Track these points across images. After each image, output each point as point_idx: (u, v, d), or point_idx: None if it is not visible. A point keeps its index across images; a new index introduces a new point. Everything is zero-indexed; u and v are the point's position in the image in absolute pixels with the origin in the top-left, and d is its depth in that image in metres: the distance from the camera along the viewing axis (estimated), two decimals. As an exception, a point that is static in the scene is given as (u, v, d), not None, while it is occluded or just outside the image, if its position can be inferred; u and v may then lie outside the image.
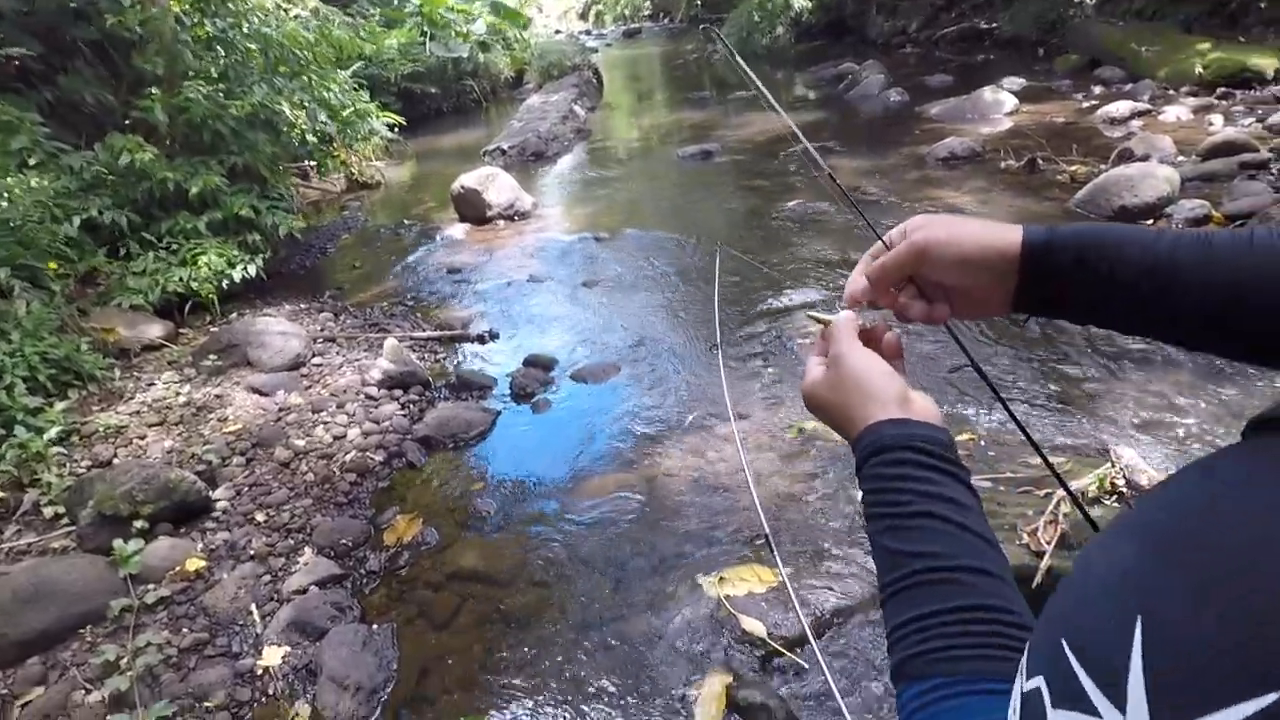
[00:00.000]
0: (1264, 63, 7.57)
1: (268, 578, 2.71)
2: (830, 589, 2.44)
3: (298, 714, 2.22)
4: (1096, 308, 0.61)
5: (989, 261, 0.63)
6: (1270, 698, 0.21)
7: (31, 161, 4.55)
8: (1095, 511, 2.36)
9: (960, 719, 0.45)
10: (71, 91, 5.29)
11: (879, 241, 0.72)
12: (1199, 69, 7.88)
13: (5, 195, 4.13)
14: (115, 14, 4.90)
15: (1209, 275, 0.55)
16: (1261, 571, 0.24)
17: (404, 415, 3.69)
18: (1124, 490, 2.43)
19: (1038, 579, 2.21)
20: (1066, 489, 0.80)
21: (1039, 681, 0.30)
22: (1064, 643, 0.29)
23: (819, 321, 0.75)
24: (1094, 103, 8.04)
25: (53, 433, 3.30)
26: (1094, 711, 0.26)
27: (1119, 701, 0.25)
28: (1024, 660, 0.33)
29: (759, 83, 1.19)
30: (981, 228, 0.64)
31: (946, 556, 0.52)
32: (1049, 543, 2.29)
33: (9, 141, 4.48)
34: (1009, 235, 0.62)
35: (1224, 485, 0.29)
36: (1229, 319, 0.55)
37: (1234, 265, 0.55)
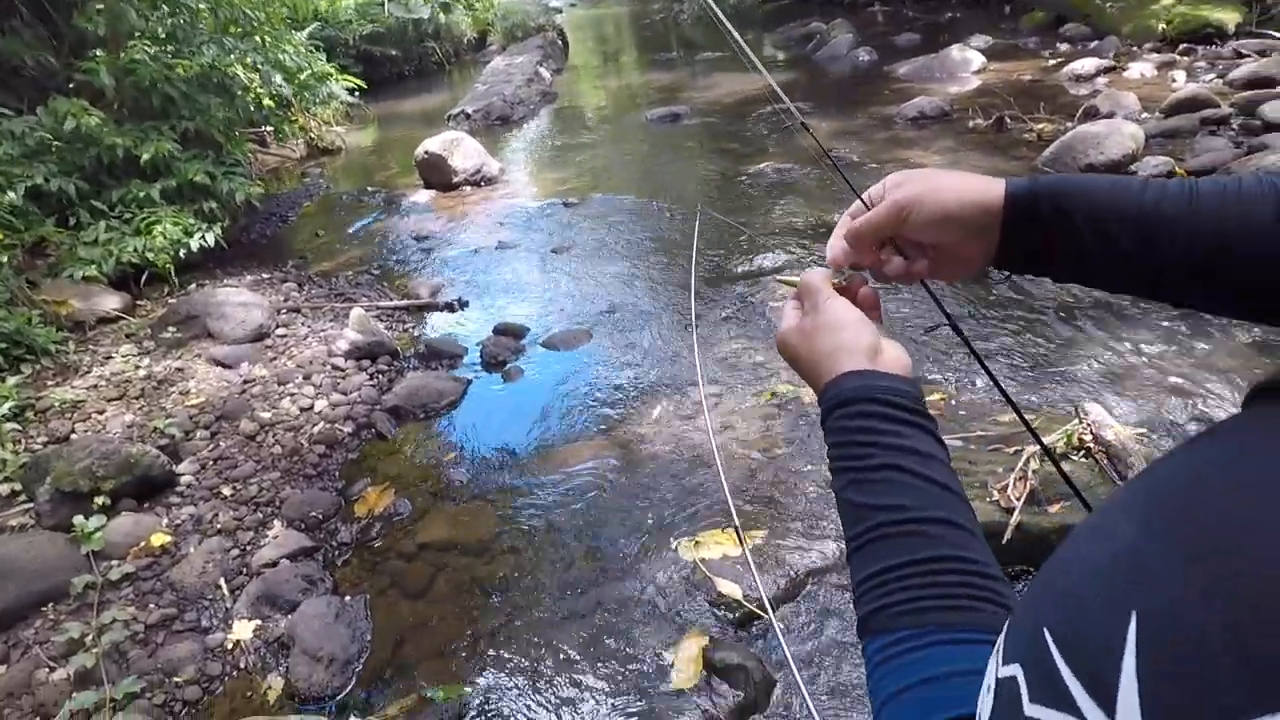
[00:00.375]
0: (1225, 18, 7.63)
1: (236, 552, 2.67)
2: (803, 550, 2.46)
3: (270, 687, 2.20)
4: (1080, 261, 0.59)
5: (971, 216, 0.61)
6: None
7: (-31, 127, 4.34)
8: (1065, 467, 2.41)
9: (926, 669, 0.44)
10: (10, 54, 5.02)
11: (858, 201, 0.70)
12: (1162, 25, 7.93)
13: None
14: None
15: (1195, 224, 0.54)
16: (1248, 556, 0.21)
17: (372, 386, 3.63)
18: (1091, 446, 2.47)
19: (1008, 535, 2.25)
20: (1041, 443, 0.79)
21: (1015, 670, 0.28)
22: (1046, 632, 0.27)
23: (789, 284, 0.73)
24: (1060, 60, 8.06)
25: (5, 408, 3.20)
26: (1079, 714, 0.24)
27: (1107, 704, 0.23)
28: (1001, 641, 0.31)
29: (741, 41, 1.15)
30: (962, 181, 0.62)
31: (911, 509, 0.51)
32: (1019, 499, 2.32)
33: (-55, 107, 4.27)
34: (991, 188, 0.61)
35: (1213, 460, 0.27)
36: (1216, 269, 0.54)
37: (1220, 214, 0.53)
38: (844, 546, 0.54)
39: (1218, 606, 0.21)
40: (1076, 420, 2.58)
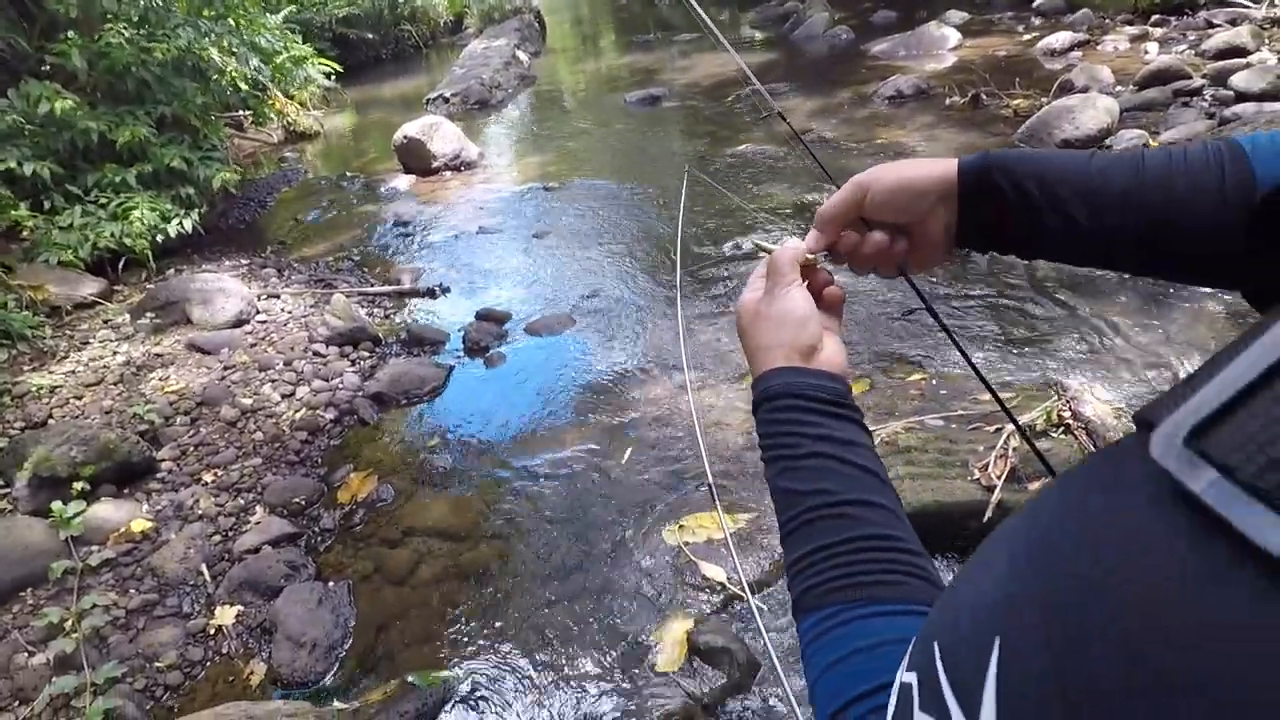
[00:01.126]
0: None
1: (218, 538, 2.66)
2: (757, 560, 2.48)
3: (253, 672, 2.20)
4: (1036, 234, 0.61)
5: (927, 186, 0.63)
6: None
7: (-63, 110, 4.25)
8: (1043, 444, 2.44)
9: (856, 640, 0.46)
10: (-23, 36, 4.91)
11: (829, 183, 0.72)
12: (1135, -3, 7.96)
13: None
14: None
15: (1142, 194, 0.55)
16: (1092, 609, 0.23)
17: (354, 372, 3.61)
18: (1070, 423, 2.51)
19: (988, 514, 2.28)
20: (1015, 423, 0.81)
21: (912, 677, 0.31)
22: (935, 645, 0.29)
23: (764, 250, 0.74)
24: (1035, 35, 8.10)
25: (-21, 395, 3.16)
26: None
27: (971, 716, 0.25)
28: (909, 648, 0.33)
29: (712, 26, 1.16)
30: (920, 161, 0.65)
31: (836, 492, 0.53)
32: (999, 477, 2.35)
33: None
34: (947, 163, 0.63)
35: (1075, 507, 0.28)
36: (1162, 239, 0.55)
37: (1166, 184, 0.55)
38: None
39: (1053, 654, 0.24)
40: (1055, 397, 2.62)
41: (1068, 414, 2.59)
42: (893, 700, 0.32)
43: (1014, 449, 2.52)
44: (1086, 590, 0.24)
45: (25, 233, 4.39)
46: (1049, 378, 3.01)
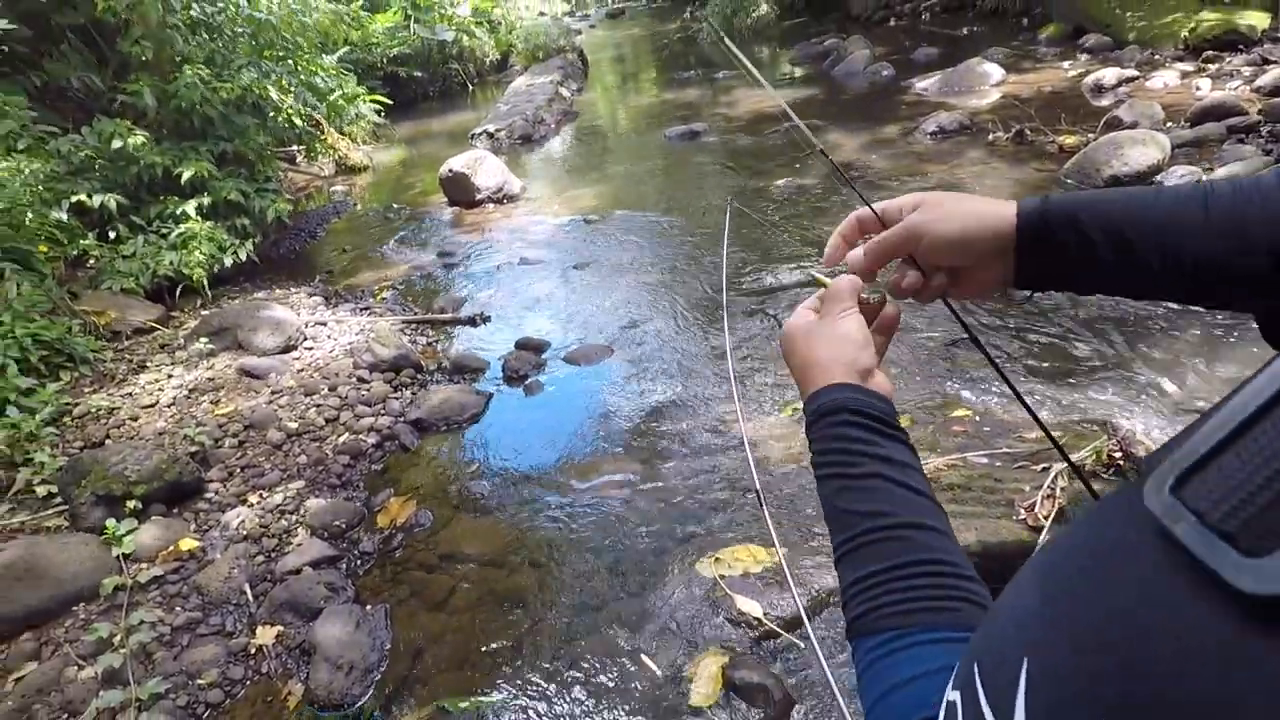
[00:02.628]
0: (1251, 22, 7.52)
1: (261, 558, 2.71)
2: (826, 568, 2.44)
3: (291, 693, 2.23)
4: (1100, 274, 0.60)
5: (983, 241, 0.63)
6: None
7: (19, 145, 4.51)
8: (1095, 485, 2.37)
9: (914, 667, 0.46)
10: (58, 76, 5.22)
11: (866, 208, 0.72)
12: (1185, 32, 7.84)
13: (-4, 178, 4.10)
14: (103, -1, 4.83)
15: (1211, 225, 0.54)
16: (1108, 644, 0.26)
17: (396, 398, 3.68)
18: (1121, 463, 2.44)
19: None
20: (1068, 460, 0.79)
21: (956, 696, 0.32)
22: (975, 666, 0.31)
23: (820, 283, 0.75)
24: (1080, 71, 8.01)
25: (45, 413, 3.30)
26: None
27: None
28: (955, 670, 0.35)
29: (748, 63, 1.18)
30: (975, 206, 0.64)
31: (893, 514, 0.53)
32: (1046, 518, 2.29)
33: (-1, 126, 4.45)
34: (1003, 212, 0.62)
35: (1102, 543, 0.30)
36: (1236, 267, 0.54)
37: (1235, 212, 0.54)
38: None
39: (1075, 681, 0.26)
40: (1105, 436, 2.55)
41: (1119, 454, 2.52)
42: (943, 716, 0.34)
43: (1061, 489, 2.45)
44: (1102, 624, 0.27)
45: (91, 261, 4.61)
46: (1097, 416, 2.93)
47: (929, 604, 0.49)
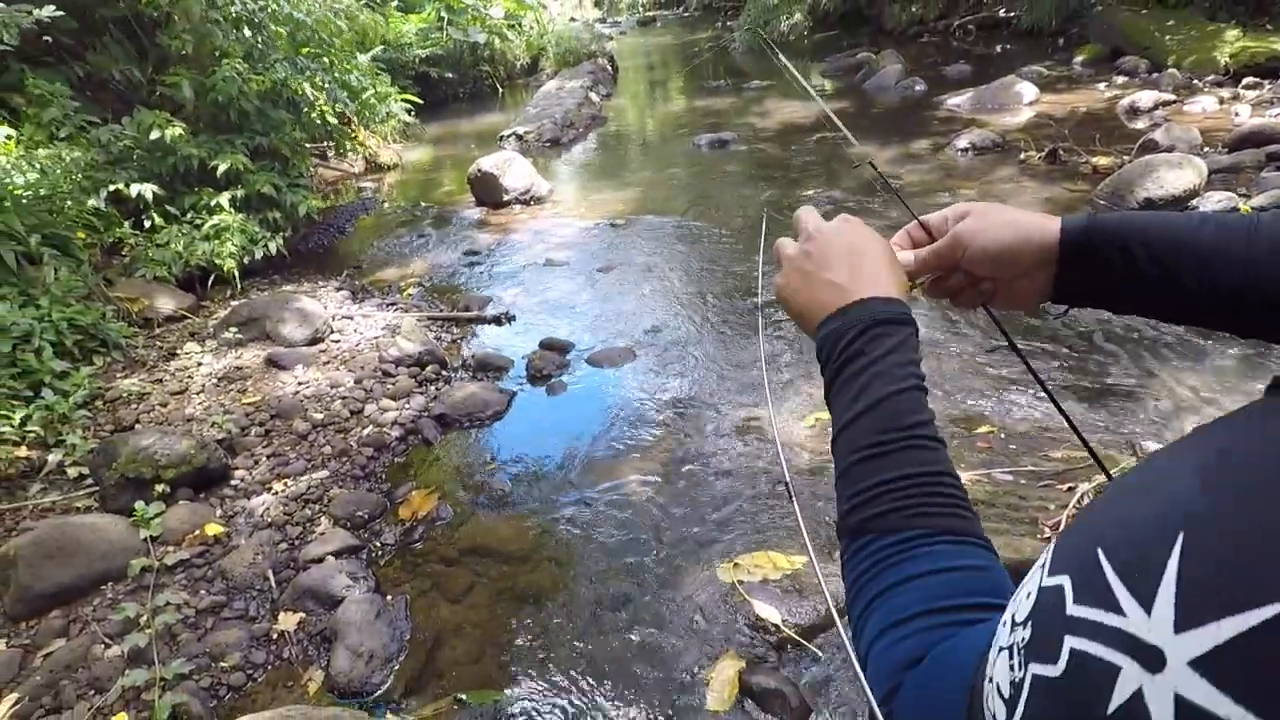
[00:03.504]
0: (1295, 49, 7.42)
1: (284, 545, 2.74)
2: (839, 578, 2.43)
3: (311, 679, 2.25)
4: (1140, 295, 0.61)
5: (1026, 253, 0.64)
6: (1275, 608, 0.24)
7: (61, 134, 4.61)
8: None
9: (951, 559, 0.48)
10: (101, 68, 5.33)
11: (915, 222, 0.73)
12: (1225, 58, 7.75)
13: (37, 165, 4.18)
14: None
15: (1257, 254, 0.55)
16: None
17: (420, 393, 3.71)
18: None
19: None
20: (1107, 474, 0.79)
21: (1063, 579, 0.32)
22: (1099, 550, 0.31)
23: None
24: (1116, 93, 7.94)
25: (78, 396, 3.36)
26: (1117, 609, 0.28)
27: (1146, 602, 0.27)
28: (1045, 560, 0.35)
29: (797, 74, 1.20)
30: (1019, 218, 0.65)
31: (932, 426, 0.54)
32: (1069, 533, 2.27)
33: (42, 114, 4.54)
34: (1047, 226, 0.63)
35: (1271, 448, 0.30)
36: (1272, 301, 0.55)
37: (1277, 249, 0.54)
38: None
39: (1247, 535, 0.26)
40: (1135, 458, 2.52)
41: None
42: (1027, 604, 0.34)
43: (1087, 507, 2.42)
44: None
45: (126, 249, 4.70)
46: (1126, 435, 2.90)
47: (954, 510, 0.50)
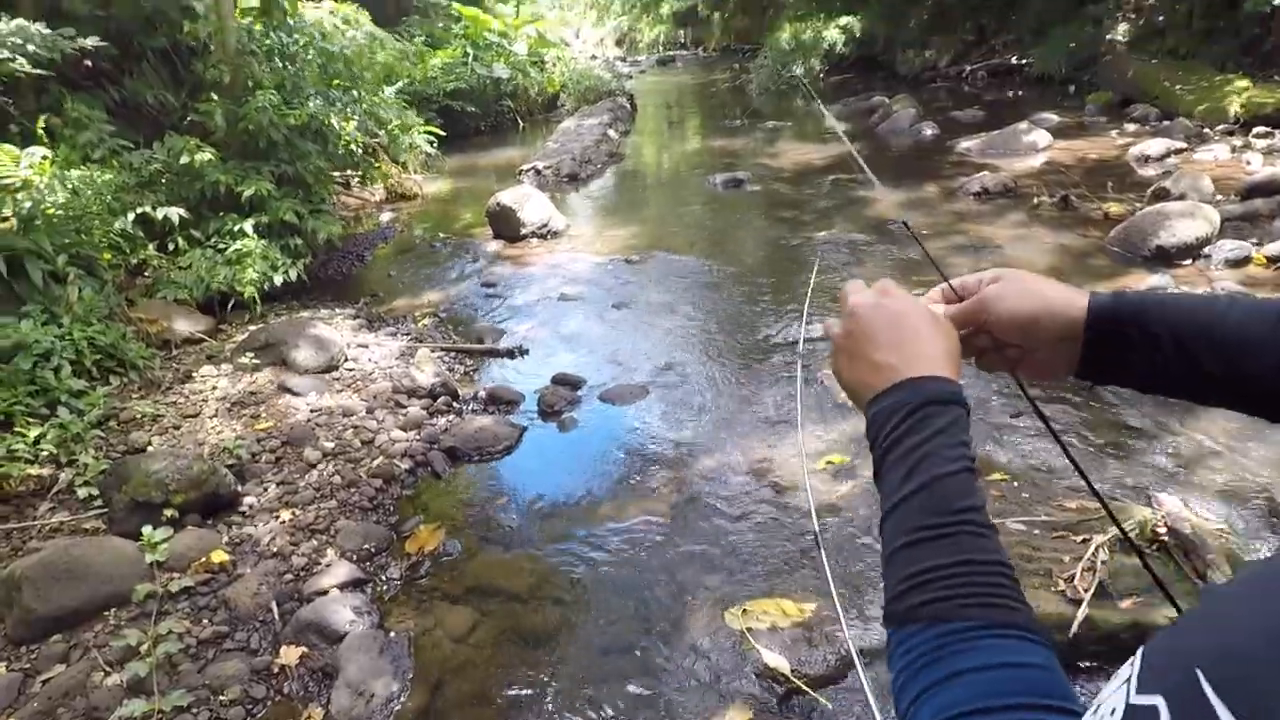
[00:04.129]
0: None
1: (290, 576, 2.72)
2: (863, 625, 2.39)
3: (310, 716, 2.22)
4: (1163, 377, 0.61)
5: (1052, 327, 0.64)
6: None
7: (95, 156, 4.71)
8: (1135, 561, 2.30)
9: (1002, 655, 0.45)
10: (136, 93, 5.47)
11: (944, 283, 0.74)
12: (1235, 108, 7.81)
13: (69, 186, 4.27)
14: (190, 20, 5.08)
15: (1275, 348, 0.55)
16: None
17: (432, 424, 3.71)
18: (1165, 539, 2.37)
19: (1074, 629, 2.15)
20: (1124, 532, 0.77)
21: (1156, 700, 0.31)
22: (1200, 675, 0.29)
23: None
24: (1128, 140, 8.00)
25: (93, 415, 3.38)
26: None
27: None
28: (1132, 673, 0.33)
29: (835, 121, 1.21)
30: (1047, 291, 0.65)
31: (984, 512, 0.53)
32: (1086, 590, 2.23)
33: (77, 137, 4.64)
34: (1074, 302, 0.64)
35: None
36: None
37: None
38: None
39: None
40: (1150, 511, 2.48)
41: (1163, 530, 2.45)
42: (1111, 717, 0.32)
43: (1103, 561, 2.38)
44: None
45: (149, 270, 4.76)
46: (1141, 488, 2.86)
47: (1011, 602, 0.48)
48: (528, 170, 9.09)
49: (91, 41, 4.15)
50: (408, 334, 4.78)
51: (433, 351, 4.39)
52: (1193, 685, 0.29)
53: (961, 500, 0.52)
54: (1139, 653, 0.35)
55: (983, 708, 0.43)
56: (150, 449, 3.33)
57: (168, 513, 2.82)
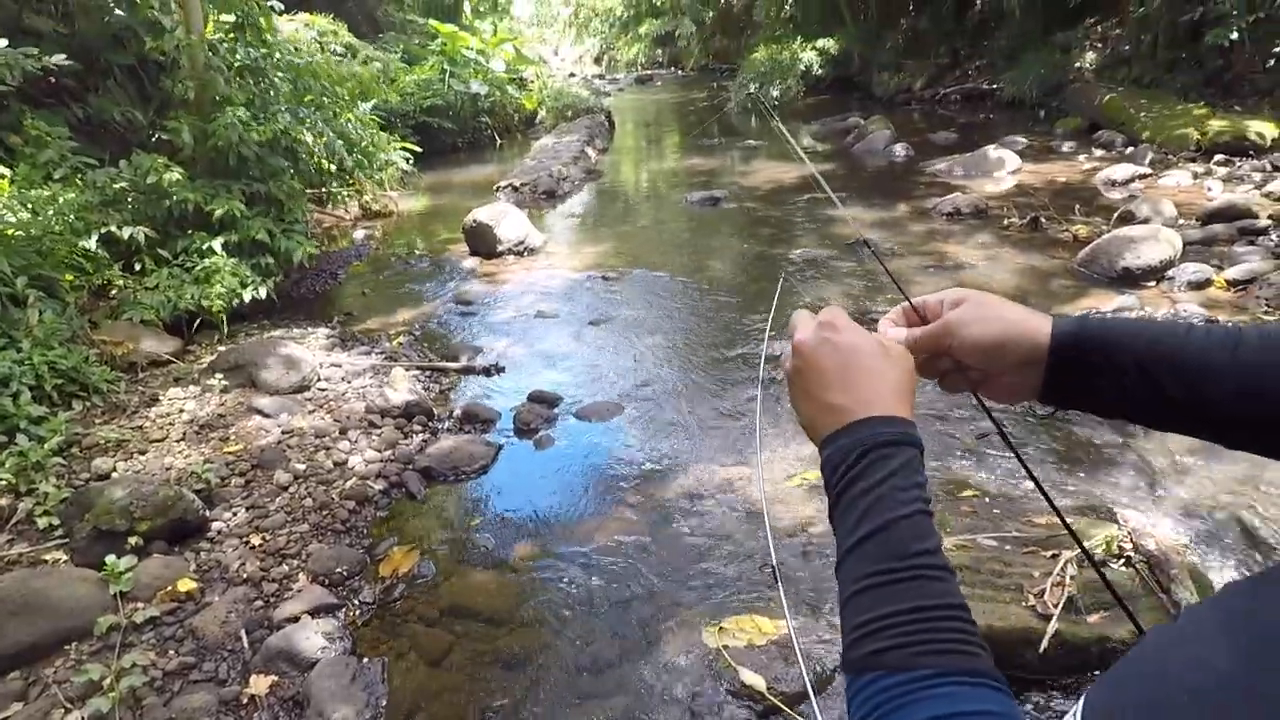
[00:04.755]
0: (1262, 130, 7.73)
1: (260, 603, 2.67)
2: (833, 643, 2.40)
3: (281, 747, 2.17)
4: (1125, 402, 0.62)
5: (1015, 351, 0.64)
6: None
7: (57, 175, 4.62)
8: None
9: (958, 704, 0.45)
10: (102, 111, 5.39)
11: (905, 302, 0.74)
12: (1197, 135, 8.05)
13: (29, 206, 4.18)
14: (155, 38, 5.03)
15: (1239, 371, 0.56)
16: None
17: (406, 445, 3.67)
18: (1130, 555, 2.41)
19: (1043, 645, 2.17)
20: (1085, 552, 0.79)
21: None
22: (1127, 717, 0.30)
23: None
24: (1095, 165, 8.20)
25: (54, 442, 3.29)
26: None
27: None
28: (1077, 711, 0.34)
29: (799, 149, 1.23)
30: (1011, 316, 0.65)
31: (940, 554, 0.52)
32: (1056, 605, 2.25)
33: (38, 155, 4.56)
34: (1039, 328, 0.64)
35: None
36: (1258, 416, 0.56)
37: (1260, 361, 0.56)
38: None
39: None
40: (1116, 527, 2.52)
41: (1129, 546, 2.49)
42: None
43: (1071, 577, 2.42)
44: None
45: (115, 291, 4.67)
46: (1107, 505, 2.91)
47: (967, 648, 0.48)
48: (505, 187, 9.09)
49: (58, 59, 4.08)
50: (382, 353, 4.73)
51: (407, 370, 4.36)
52: None
53: (917, 543, 0.52)
54: (1081, 699, 0.36)
55: None
56: (114, 475, 3.25)
57: (132, 541, 2.75)
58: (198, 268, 4.86)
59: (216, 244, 4.95)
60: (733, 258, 6.52)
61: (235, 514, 3.12)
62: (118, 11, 5.44)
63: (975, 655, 0.47)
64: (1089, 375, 0.62)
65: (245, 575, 2.78)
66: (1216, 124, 8.05)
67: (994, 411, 0.78)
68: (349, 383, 4.25)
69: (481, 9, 17.80)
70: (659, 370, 4.39)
